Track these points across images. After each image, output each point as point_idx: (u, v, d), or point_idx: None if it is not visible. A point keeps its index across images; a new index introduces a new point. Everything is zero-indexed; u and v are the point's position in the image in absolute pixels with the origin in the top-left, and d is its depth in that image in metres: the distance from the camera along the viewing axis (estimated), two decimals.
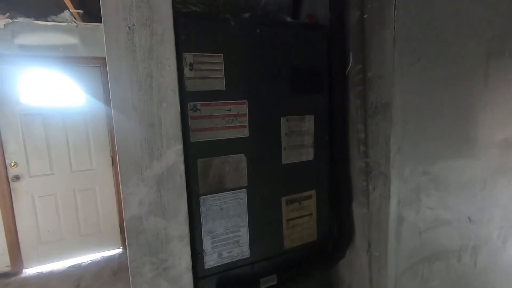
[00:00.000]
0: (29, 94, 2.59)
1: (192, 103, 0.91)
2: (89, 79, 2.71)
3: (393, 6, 0.94)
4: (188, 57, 0.89)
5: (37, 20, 2.48)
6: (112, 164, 2.79)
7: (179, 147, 0.70)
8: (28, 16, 2.45)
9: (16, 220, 2.61)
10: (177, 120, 0.69)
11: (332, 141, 1.15)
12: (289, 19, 1.10)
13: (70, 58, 2.60)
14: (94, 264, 2.78)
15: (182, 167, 0.70)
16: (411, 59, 1.01)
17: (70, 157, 2.74)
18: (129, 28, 0.60)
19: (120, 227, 2.93)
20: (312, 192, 1.15)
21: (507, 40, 1.20)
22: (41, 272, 2.67)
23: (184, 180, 0.71)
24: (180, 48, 0.88)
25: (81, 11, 2.39)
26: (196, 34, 0.90)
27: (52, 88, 2.66)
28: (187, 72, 0.90)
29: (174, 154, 0.69)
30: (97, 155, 2.80)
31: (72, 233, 2.82)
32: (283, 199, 1.10)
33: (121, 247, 2.95)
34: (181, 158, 0.70)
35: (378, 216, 1.08)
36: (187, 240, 0.75)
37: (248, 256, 1.06)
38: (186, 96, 0.90)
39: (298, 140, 1.10)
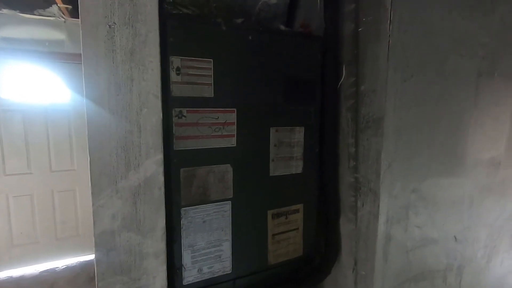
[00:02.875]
0: (11, 89, 2.48)
1: (177, 109, 0.86)
2: (75, 77, 2.62)
3: (388, 21, 0.93)
4: (176, 61, 0.85)
5: (23, 13, 2.38)
6: None
7: (159, 156, 0.65)
8: (14, 9, 2.35)
9: None
10: (158, 127, 0.64)
11: (322, 154, 1.12)
12: (283, 27, 1.08)
13: (56, 54, 2.51)
14: (69, 269, 2.65)
15: (161, 178, 0.65)
16: (405, 74, 1.00)
17: (50, 156, 2.62)
18: (110, 26, 0.56)
19: None
20: (300, 206, 1.11)
21: (497, 60, 1.21)
22: (11, 277, 2.52)
23: (163, 193, 0.66)
24: (168, 51, 0.83)
25: (69, 6, 2.31)
26: (185, 37, 0.86)
27: (36, 84, 2.55)
28: (173, 77, 0.85)
29: (153, 164, 0.64)
30: (79, 155, 2.69)
31: (48, 236, 2.68)
32: (269, 213, 1.06)
33: None
34: (161, 169, 0.65)
35: (366, 233, 1.05)
36: (163, 257, 0.69)
37: (230, 272, 1.01)
38: (171, 102, 0.85)
39: (287, 152, 1.06)
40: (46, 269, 2.62)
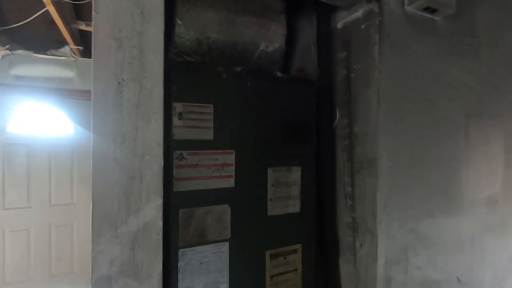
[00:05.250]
0: (17, 124, 2.56)
1: (178, 152, 0.90)
2: (81, 112, 2.72)
3: (377, 70, 1.00)
4: (178, 107, 0.90)
5: (37, 53, 2.53)
6: None
7: (159, 202, 0.67)
8: (28, 49, 2.50)
9: None
10: (159, 173, 0.67)
11: (319, 193, 1.14)
12: (279, 73, 1.15)
13: (65, 90, 2.62)
14: None
15: (160, 223, 0.66)
16: (396, 118, 1.05)
17: (50, 189, 2.63)
18: (119, 82, 0.61)
19: None
20: (298, 246, 1.10)
21: (485, 103, 1.27)
22: None
23: (161, 238, 0.68)
24: (171, 97, 0.89)
25: (81, 48, 2.46)
26: (188, 85, 0.92)
27: (42, 118, 2.64)
28: (175, 121, 0.90)
29: (153, 209, 0.66)
30: (79, 188, 2.70)
31: (41, 273, 2.60)
32: (267, 253, 1.05)
33: None
34: (160, 214, 0.67)
35: (365, 276, 1.03)
36: None
37: None
38: (173, 145, 0.89)
39: (285, 192, 1.08)
40: None
